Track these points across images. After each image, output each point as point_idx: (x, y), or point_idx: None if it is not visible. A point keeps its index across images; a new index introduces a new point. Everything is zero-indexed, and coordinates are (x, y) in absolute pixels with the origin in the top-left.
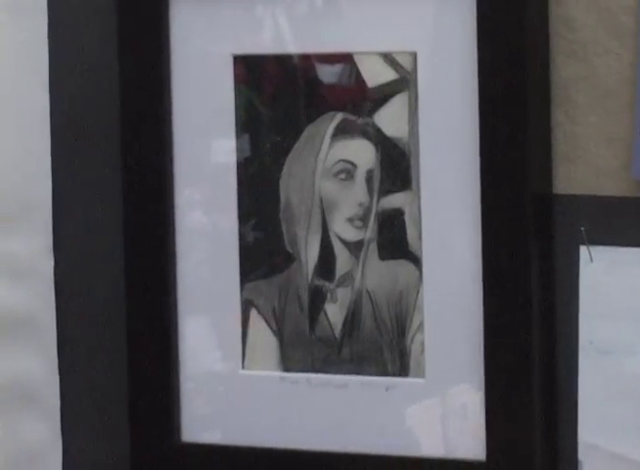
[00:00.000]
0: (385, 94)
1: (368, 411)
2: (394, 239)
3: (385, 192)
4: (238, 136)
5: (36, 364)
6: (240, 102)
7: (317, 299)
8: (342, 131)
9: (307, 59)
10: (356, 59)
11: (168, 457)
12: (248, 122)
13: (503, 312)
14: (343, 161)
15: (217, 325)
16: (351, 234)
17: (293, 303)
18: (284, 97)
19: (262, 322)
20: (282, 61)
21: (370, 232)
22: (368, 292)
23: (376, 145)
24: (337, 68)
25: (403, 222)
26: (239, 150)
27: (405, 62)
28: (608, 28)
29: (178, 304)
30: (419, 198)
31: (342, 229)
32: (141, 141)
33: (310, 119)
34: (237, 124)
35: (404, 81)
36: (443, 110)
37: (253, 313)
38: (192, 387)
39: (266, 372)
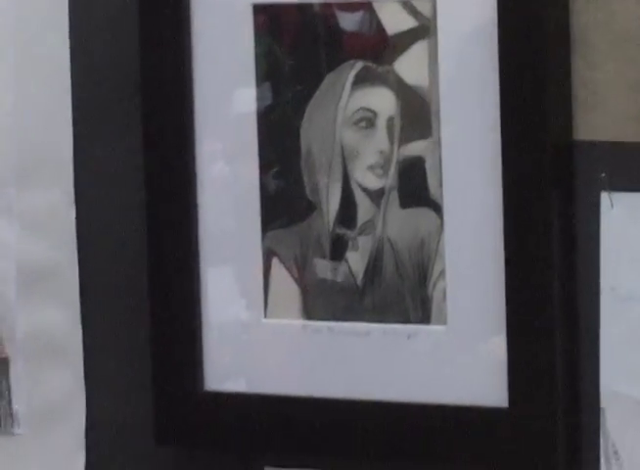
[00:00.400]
0: (404, 42)
1: (390, 359)
2: (415, 187)
3: (405, 140)
4: (258, 85)
5: (59, 315)
6: (260, 51)
7: (339, 247)
8: (362, 79)
9: (328, 7)
10: (375, 6)
11: (192, 406)
12: (268, 71)
13: (524, 259)
14: (364, 109)
15: (239, 274)
16: (372, 182)
17: (314, 251)
18: (304, 45)
19: (284, 271)
20: (302, 9)
21: (391, 180)
22: (389, 240)
23: (396, 93)
24: (356, 15)
25: (424, 170)
26: (259, 99)
27: (425, 9)
28: None
29: (200, 253)
30: (439, 145)
31: (363, 177)
32: (161, 91)
33: (331, 68)
34: (257, 73)
35: (424, 29)
36: (463, 57)
37: (275, 262)
38: (214, 336)
39: (288, 320)
